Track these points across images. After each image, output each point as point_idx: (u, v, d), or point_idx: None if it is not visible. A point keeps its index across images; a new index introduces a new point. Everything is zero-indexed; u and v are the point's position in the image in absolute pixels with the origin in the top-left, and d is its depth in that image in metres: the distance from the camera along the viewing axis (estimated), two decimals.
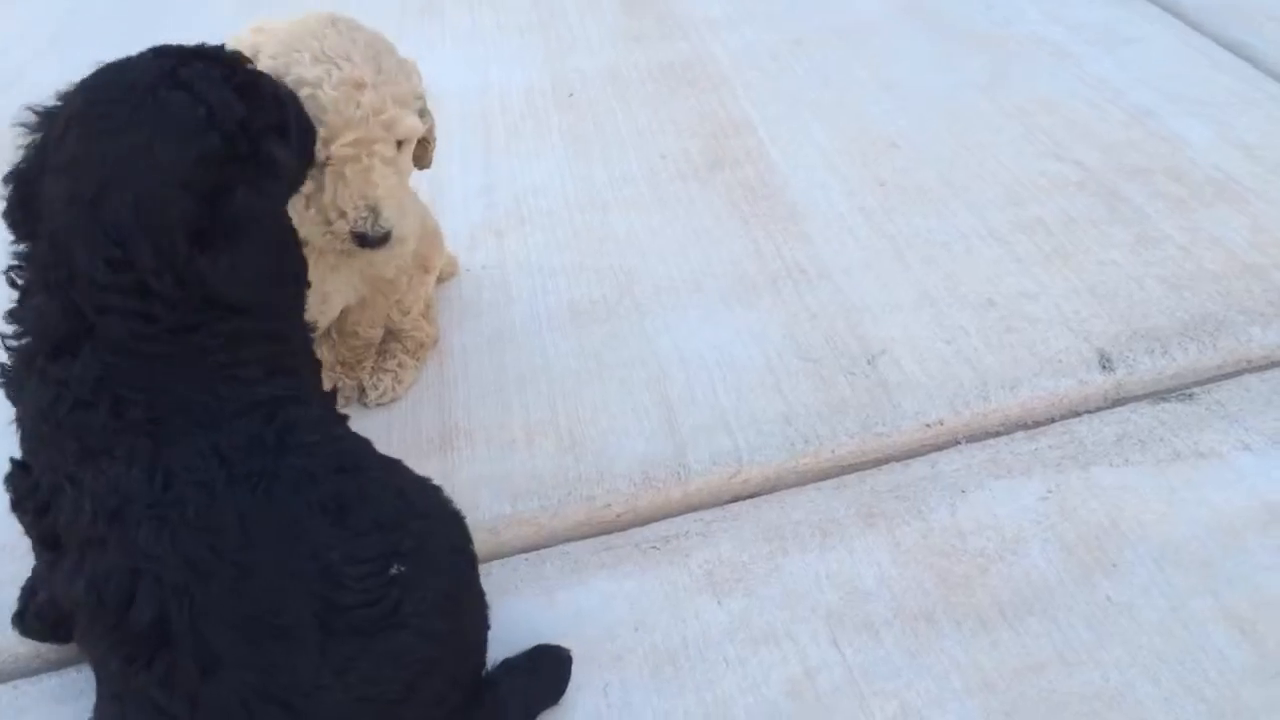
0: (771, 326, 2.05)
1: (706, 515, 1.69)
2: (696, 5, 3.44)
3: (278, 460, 1.11)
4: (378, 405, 1.87)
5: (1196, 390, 1.91)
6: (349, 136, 1.42)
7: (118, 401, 1.11)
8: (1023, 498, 1.69)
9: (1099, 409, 1.90)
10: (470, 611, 1.23)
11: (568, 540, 1.67)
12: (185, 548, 1.05)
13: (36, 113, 1.19)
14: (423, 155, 1.65)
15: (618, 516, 1.71)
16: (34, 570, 1.43)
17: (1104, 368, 1.95)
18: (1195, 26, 3.30)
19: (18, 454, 1.24)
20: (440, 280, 2.06)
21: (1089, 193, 2.47)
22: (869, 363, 1.96)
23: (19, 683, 1.45)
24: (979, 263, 2.23)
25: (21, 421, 1.19)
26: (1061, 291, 2.14)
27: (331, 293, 1.67)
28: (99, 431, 1.10)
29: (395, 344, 1.89)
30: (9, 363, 1.20)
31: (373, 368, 1.88)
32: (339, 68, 1.42)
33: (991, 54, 3.13)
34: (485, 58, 3.09)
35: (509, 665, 1.33)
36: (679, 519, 1.68)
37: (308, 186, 1.45)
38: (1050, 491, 1.70)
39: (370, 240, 1.46)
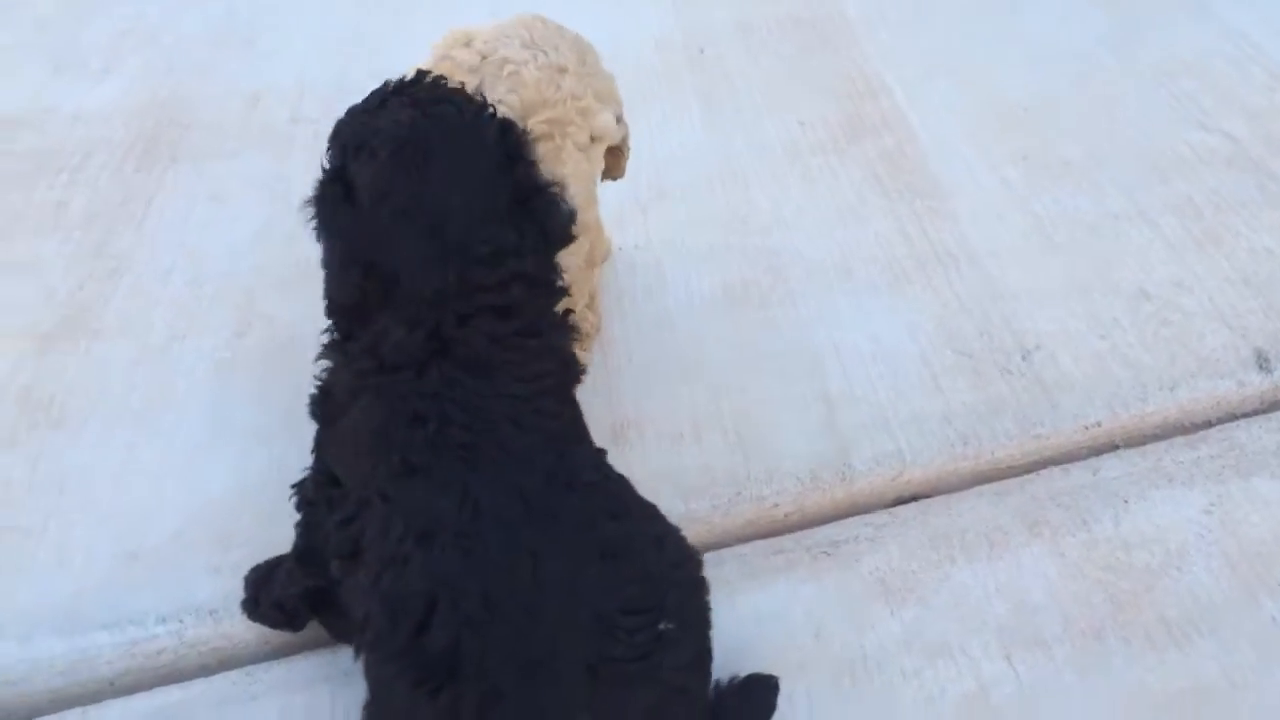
0: (924, 316, 2.08)
1: (874, 519, 1.75)
2: None
3: (564, 500, 1.20)
4: None
5: None
6: (545, 114, 1.49)
7: (445, 420, 1.19)
8: (1185, 509, 1.73)
9: (1256, 412, 1.92)
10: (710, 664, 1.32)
11: (739, 540, 1.74)
12: (484, 581, 1.13)
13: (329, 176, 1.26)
14: (615, 164, 1.69)
15: (785, 516, 1.78)
16: (267, 562, 1.54)
17: (1261, 368, 1.96)
18: None
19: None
20: (598, 264, 2.10)
21: (1238, 168, 2.44)
22: (1024, 358, 1.99)
23: (251, 669, 1.57)
24: (1129, 247, 2.23)
25: (332, 438, 1.28)
26: (1216, 282, 2.15)
27: None
28: (422, 449, 1.18)
29: None
30: (330, 386, 1.29)
31: None
32: (545, 54, 1.51)
33: (1124, 5, 3.05)
34: (610, 3, 3.06)
35: (722, 692, 1.41)
36: (847, 522, 1.75)
37: None
38: (1213, 504, 1.74)
39: None
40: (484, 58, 1.54)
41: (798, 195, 2.39)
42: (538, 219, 1.33)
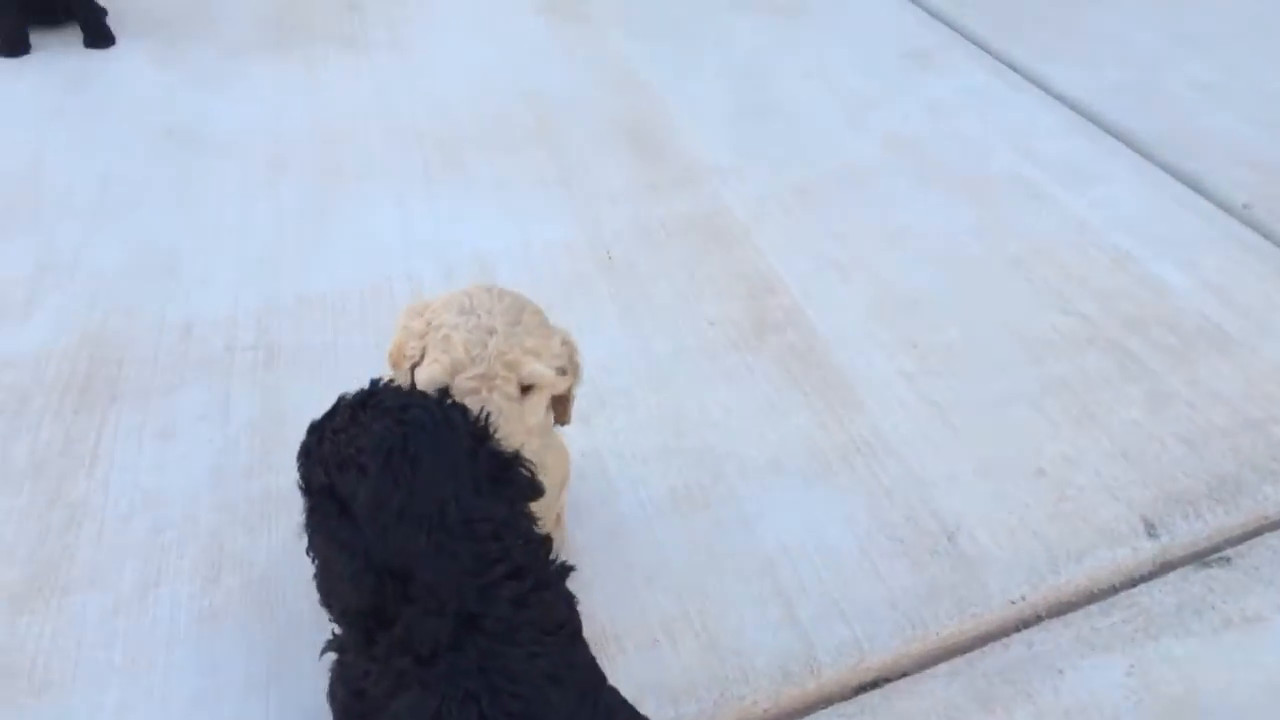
0: (855, 507, 2.29)
1: (845, 709, 1.91)
2: (702, 149, 3.69)
3: None
4: None
5: (1231, 553, 2.21)
6: (471, 371, 1.64)
7: (495, 692, 1.32)
8: (1110, 674, 1.96)
9: (1153, 575, 2.19)
10: None
11: None
12: None
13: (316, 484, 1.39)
14: (562, 411, 1.86)
15: (764, 713, 1.92)
16: None
17: (1150, 535, 2.24)
18: (1150, 157, 3.67)
19: None
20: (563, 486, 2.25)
21: (1098, 347, 2.77)
22: (949, 539, 2.22)
23: None
24: (1019, 428, 2.51)
25: None
26: (1099, 456, 2.43)
27: None
28: None
29: None
30: (362, 687, 1.38)
31: None
32: (477, 317, 1.68)
33: (978, 196, 3.45)
34: (519, 212, 3.28)
35: None
36: (824, 714, 1.90)
37: None
38: (1133, 666, 1.97)
39: None
40: (429, 325, 1.71)
41: (723, 395, 2.60)
42: (511, 487, 1.50)
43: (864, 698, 1.94)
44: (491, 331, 1.66)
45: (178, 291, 2.87)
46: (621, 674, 1.91)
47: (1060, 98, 4.11)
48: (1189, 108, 3.94)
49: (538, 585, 1.45)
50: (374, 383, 1.55)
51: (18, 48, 4.11)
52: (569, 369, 1.80)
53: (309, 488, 1.47)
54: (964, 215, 3.33)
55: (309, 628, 1.99)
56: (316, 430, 1.51)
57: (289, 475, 2.27)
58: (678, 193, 3.44)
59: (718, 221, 3.30)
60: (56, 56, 4.15)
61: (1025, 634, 2.05)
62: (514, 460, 1.51)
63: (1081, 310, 2.91)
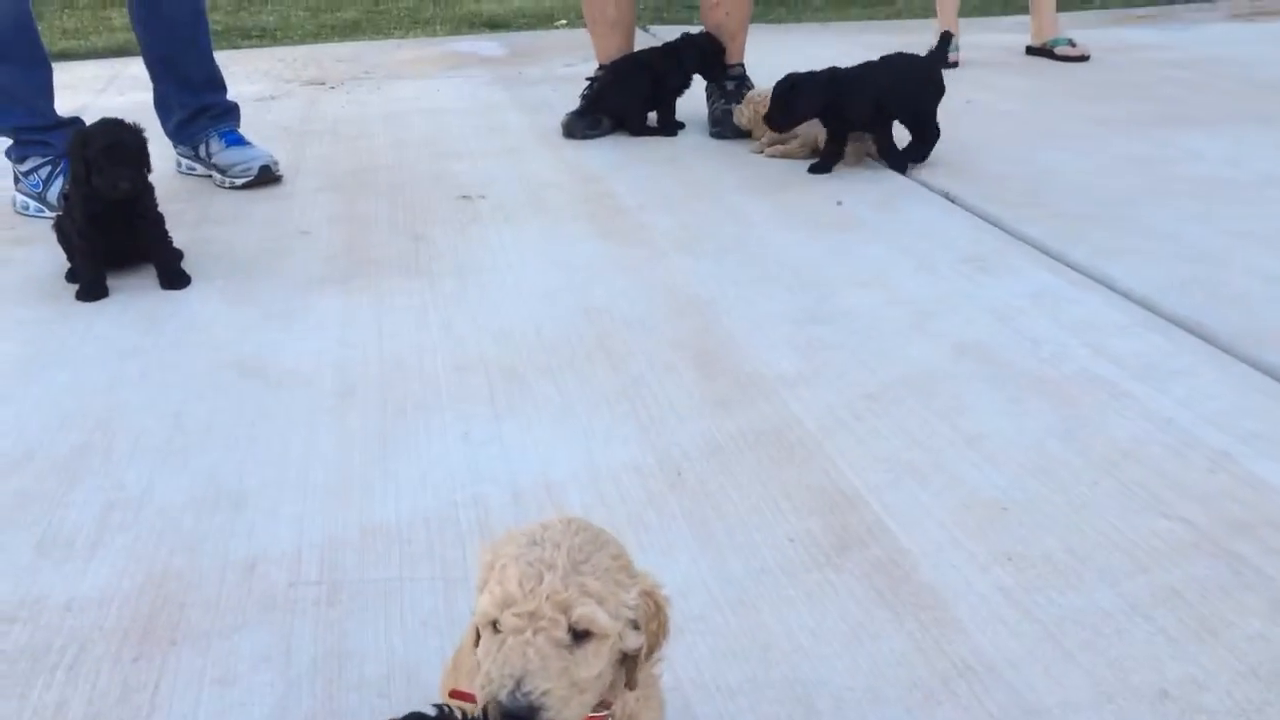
0: None
1: None
2: (765, 362, 3.66)
3: None
4: None
5: None
6: (520, 608, 1.49)
7: None
8: None
9: None
10: None
11: None
12: None
13: None
14: (630, 673, 1.65)
15: None
16: None
17: None
18: (1229, 351, 3.57)
19: None
20: None
21: (1206, 553, 2.59)
22: None
23: None
24: (1135, 645, 2.32)
25: None
26: (1227, 676, 2.22)
27: None
28: None
29: None
30: None
31: None
32: (541, 549, 1.53)
33: (1055, 398, 3.34)
34: (585, 433, 3.22)
35: None
36: None
37: (484, 649, 1.51)
38: None
39: (512, 713, 1.43)
40: (496, 557, 1.58)
41: (807, 617, 2.45)
42: None
43: None
44: (551, 567, 1.51)
45: (242, 527, 2.82)
46: None
47: (1126, 294, 4.07)
48: (1260, 300, 3.87)
49: None
50: (440, 710, 1.42)
51: (96, 294, 4.25)
52: (647, 627, 1.61)
53: None
54: (1043, 417, 3.23)
55: None
56: None
57: None
58: (745, 407, 3.39)
59: (788, 434, 3.23)
60: (134, 298, 4.29)
61: None
62: None
63: (1183, 514, 2.75)
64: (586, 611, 1.50)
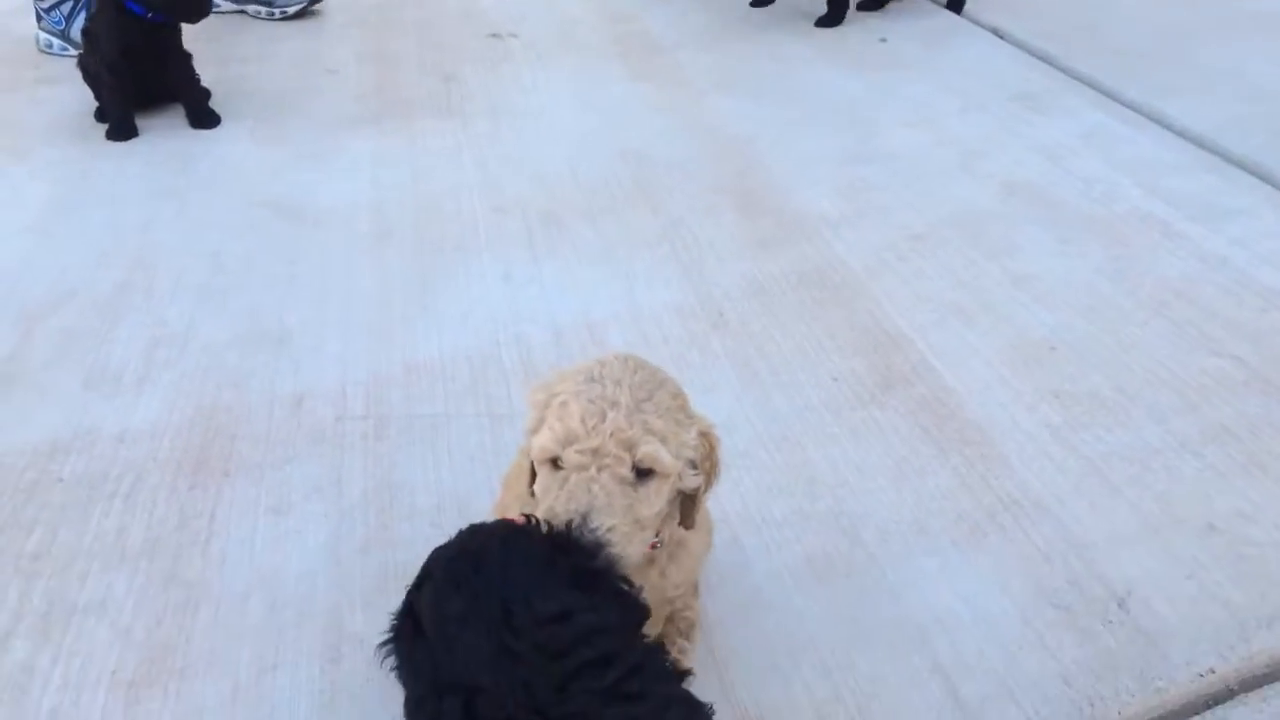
0: (1010, 572, 2.11)
1: None
2: (808, 202, 3.57)
3: None
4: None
5: None
6: (584, 444, 1.47)
7: None
8: None
9: None
10: None
11: None
12: None
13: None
14: (687, 513, 1.65)
15: None
16: None
17: None
18: None
19: None
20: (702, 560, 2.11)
21: (1258, 391, 2.56)
22: (1120, 606, 2.02)
23: None
24: (1183, 481, 2.31)
25: None
26: (1276, 510, 2.22)
27: None
28: None
29: (669, 626, 1.93)
30: None
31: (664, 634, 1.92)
32: (602, 386, 1.51)
33: (1105, 237, 3.26)
34: (625, 275, 3.18)
35: None
36: None
37: (544, 485, 1.52)
38: None
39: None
40: (551, 395, 1.55)
41: (852, 453, 2.44)
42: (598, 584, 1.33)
43: None
44: (614, 404, 1.49)
45: (287, 364, 2.82)
46: None
47: (1182, 134, 3.92)
48: None
49: (630, 674, 1.23)
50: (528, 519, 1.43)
51: (126, 133, 4.18)
52: (703, 467, 1.60)
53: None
54: (1093, 257, 3.15)
55: None
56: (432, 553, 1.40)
57: (406, 551, 2.19)
58: (788, 247, 3.33)
59: (832, 275, 3.17)
60: (164, 138, 4.22)
61: (1220, 710, 1.84)
62: (604, 573, 1.34)
63: (1234, 352, 2.71)
64: (651, 450, 1.48)
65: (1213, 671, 1.90)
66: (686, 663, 1.91)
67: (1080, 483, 2.32)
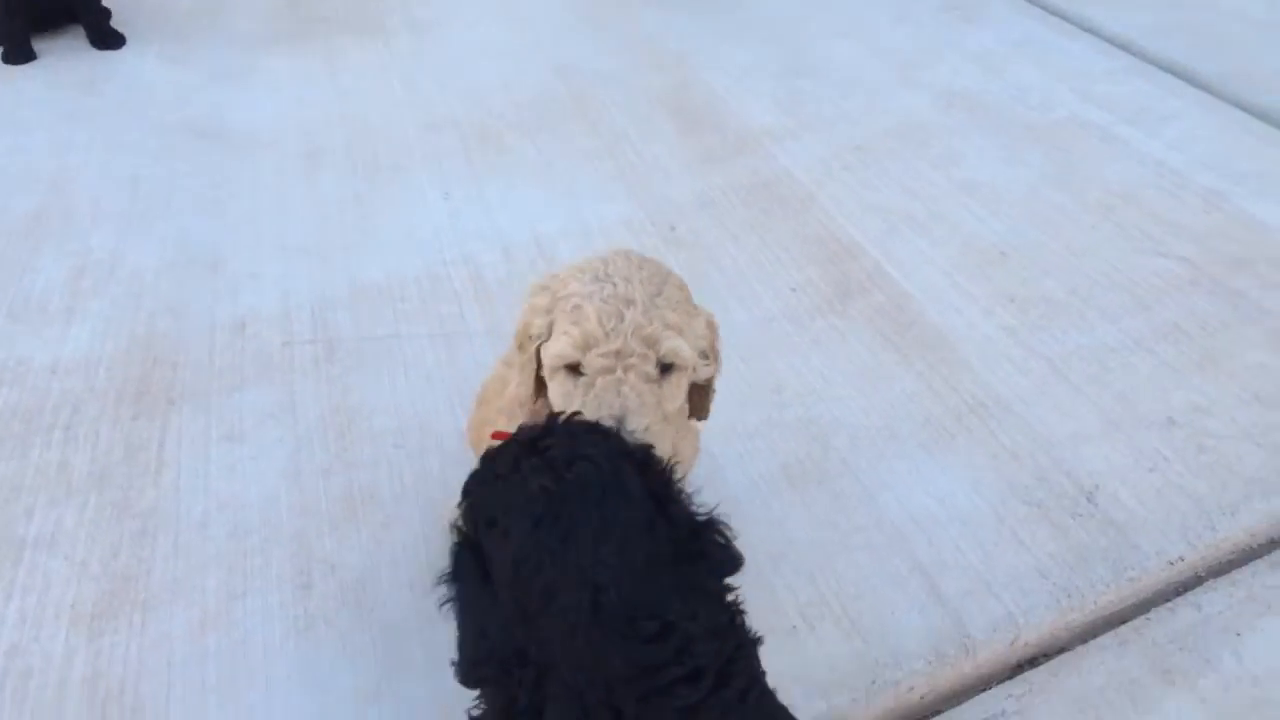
0: (981, 471, 2.12)
1: (1011, 689, 1.75)
2: (749, 115, 3.52)
3: None
4: None
5: None
6: (605, 347, 1.43)
7: None
8: None
9: None
10: None
11: None
12: None
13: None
14: (700, 402, 1.64)
15: (921, 699, 1.76)
16: None
17: None
18: (1219, 95, 3.50)
19: None
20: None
21: (1205, 290, 2.61)
22: (1089, 500, 2.05)
23: None
24: (1140, 378, 2.35)
25: None
26: (1231, 402, 2.27)
27: None
28: None
29: None
30: None
31: None
32: (614, 285, 1.45)
33: (1045, 144, 3.28)
34: (570, 193, 3.11)
35: None
36: (986, 698, 1.74)
37: (563, 392, 1.46)
38: None
39: None
40: (556, 298, 1.49)
41: (817, 362, 2.43)
42: (700, 563, 1.21)
43: (1029, 675, 1.78)
44: (629, 302, 1.43)
45: (224, 289, 2.70)
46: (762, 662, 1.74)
47: (1111, 40, 3.94)
48: (1250, 45, 3.79)
49: (717, 688, 1.15)
50: (553, 418, 1.30)
51: (24, 56, 3.94)
52: (711, 355, 1.57)
53: (459, 535, 1.24)
54: (1035, 164, 3.17)
55: (412, 632, 1.83)
56: (482, 469, 1.26)
57: (369, 472, 2.12)
58: (733, 161, 3.28)
59: (780, 187, 3.14)
60: (65, 60, 3.98)
61: (1190, 596, 1.89)
62: (707, 527, 1.22)
63: (1180, 253, 2.75)
64: (673, 345, 1.44)
65: (1182, 559, 1.94)
66: None
67: (1042, 383, 2.35)
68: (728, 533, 1.23)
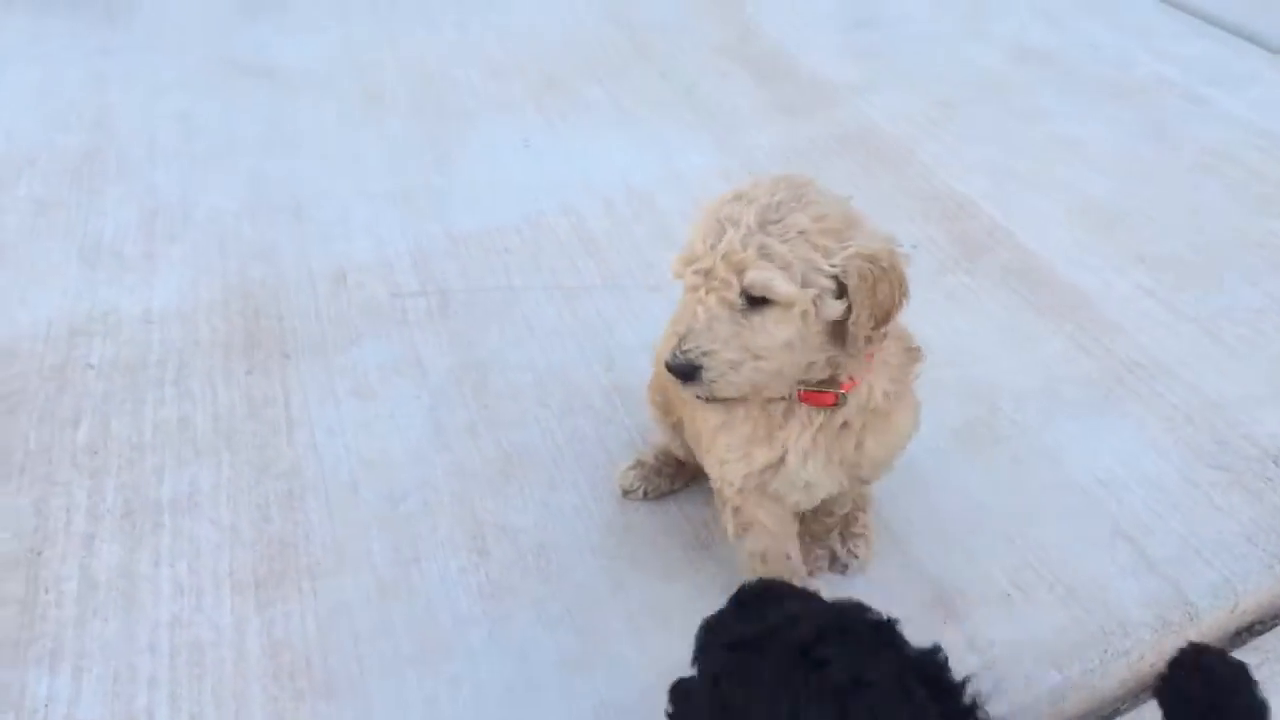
0: (1157, 433, 2.06)
1: (1243, 657, 1.67)
2: (823, 67, 3.41)
3: None
4: (843, 570, 1.79)
5: None
6: (699, 264, 1.33)
7: None
8: None
9: None
10: None
11: (1119, 701, 1.63)
12: None
13: None
14: (847, 342, 1.39)
15: (1151, 667, 1.68)
16: None
17: None
18: None
19: None
20: None
21: None
22: (1276, 463, 1.98)
23: None
24: None
25: None
26: None
27: (817, 485, 1.58)
28: None
29: (833, 531, 1.82)
30: None
31: (841, 534, 1.80)
32: (738, 204, 1.33)
33: (1130, 102, 3.22)
34: (654, 142, 2.98)
35: None
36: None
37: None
38: None
39: (673, 369, 1.34)
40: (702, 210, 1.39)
41: (957, 321, 2.35)
42: None
43: (1258, 642, 1.70)
44: (735, 223, 1.31)
45: (313, 235, 2.53)
46: (979, 633, 1.66)
47: (1172, 2, 3.88)
48: None
49: None
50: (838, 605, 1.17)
51: None
52: (859, 292, 1.34)
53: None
54: (1126, 121, 3.10)
55: (605, 597, 1.71)
56: (723, 646, 1.13)
57: (520, 431, 1.99)
58: (816, 113, 3.16)
59: (872, 140, 3.03)
60: None
61: None
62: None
63: None
64: (760, 277, 1.29)
65: None
66: (872, 538, 1.78)
67: (1195, 344, 2.28)
68: None
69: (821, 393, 1.46)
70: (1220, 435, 2.06)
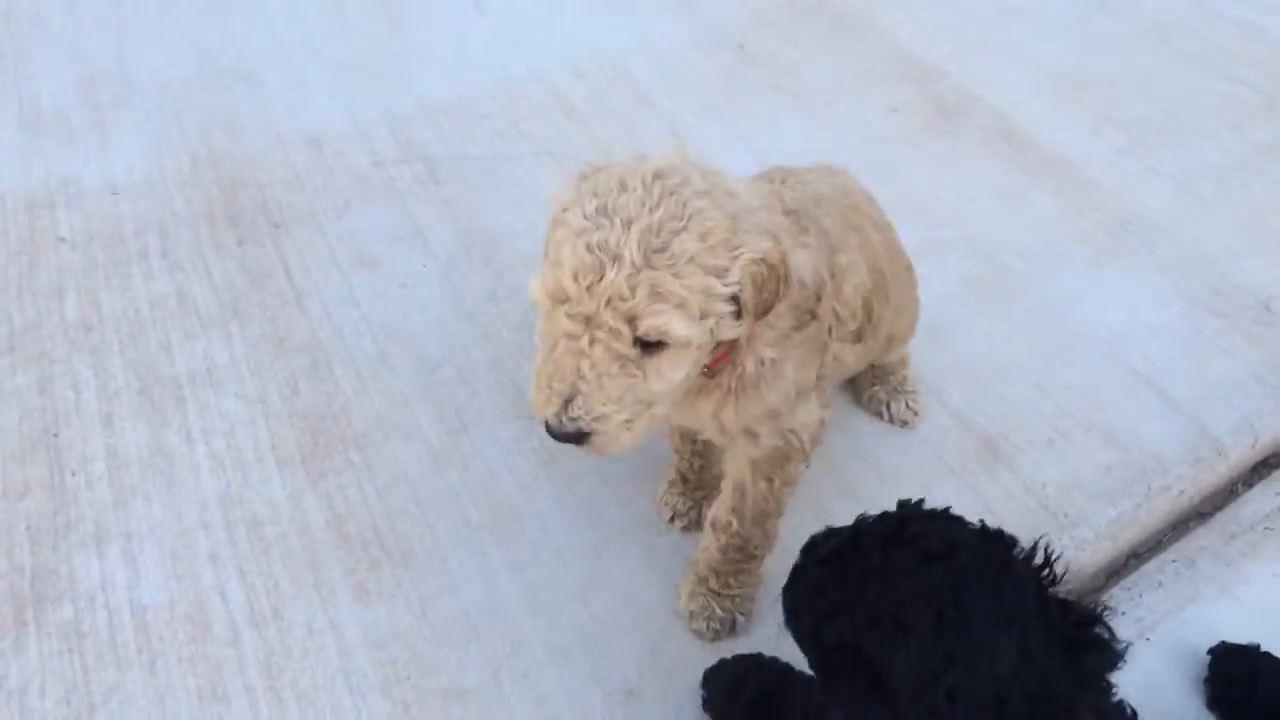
0: (1157, 285, 2.13)
1: (1272, 487, 1.76)
2: None
3: None
4: (903, 425, 1.81)
5: None
6: (574, 308, 1.13)
7: None
8: None
9: None
10: None
11: (1162, 533, 1.70)
12: None
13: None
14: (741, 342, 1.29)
15: (1190, 502, 1.76)
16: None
17: None
18: None
19: None
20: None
21: (1272, 110, 2.66)
22: (1267, 309, 2.08)
23: None
24: (1266, 192, 2.38)
25: None
26: None
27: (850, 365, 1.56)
28: None
29: (877, 386, 1.84)
30: None
31: (889, 392, 1.81)
32: (609, 225, 1.11)
33: None
34: (615, 8, 2.88)
35: None
36: (1257, 498, 1.75)
37: (540, 333, 1.22)
38: None
39: (558, 437, 1.16)
40: (561, 212, 1.19)
41: (950, 181, 2.36)
42: (1089, 655, 1.10)
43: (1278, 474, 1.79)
44: (616, 258, 1.10)
45: (273, 102, 2.36)
46: (1037, 473, 1.70)
47: None
48: None
49: None
50: (902, 504, 1.14)
51: None
52: (751, 303, 1.19)
53: (819, 641, 1.09)
54: None
55: (664, 459, 1.67)
56: (828, 560, 1.10)
57: None
58: None
59: (839, 7, 2.99)
60: None
61: None
62: (1094, 619, 1.10)
63: (1243, 78, 2.78)
64: (656, 323, 1.11)
65: None
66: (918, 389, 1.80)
67: (1176, 202, 2.35)
68: (1111, 625, 1.10)
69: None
70: (1214, 285, 2.13)
